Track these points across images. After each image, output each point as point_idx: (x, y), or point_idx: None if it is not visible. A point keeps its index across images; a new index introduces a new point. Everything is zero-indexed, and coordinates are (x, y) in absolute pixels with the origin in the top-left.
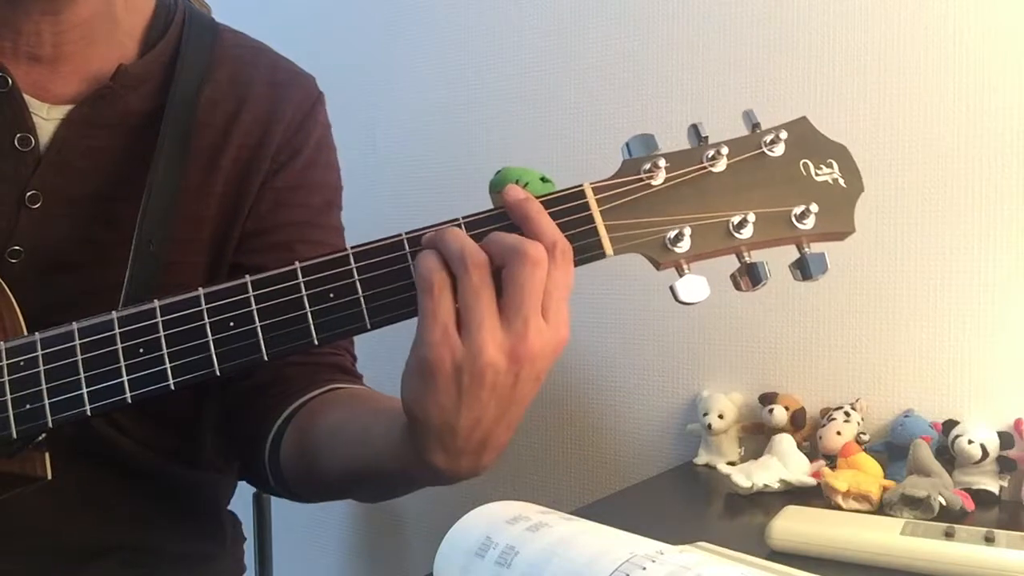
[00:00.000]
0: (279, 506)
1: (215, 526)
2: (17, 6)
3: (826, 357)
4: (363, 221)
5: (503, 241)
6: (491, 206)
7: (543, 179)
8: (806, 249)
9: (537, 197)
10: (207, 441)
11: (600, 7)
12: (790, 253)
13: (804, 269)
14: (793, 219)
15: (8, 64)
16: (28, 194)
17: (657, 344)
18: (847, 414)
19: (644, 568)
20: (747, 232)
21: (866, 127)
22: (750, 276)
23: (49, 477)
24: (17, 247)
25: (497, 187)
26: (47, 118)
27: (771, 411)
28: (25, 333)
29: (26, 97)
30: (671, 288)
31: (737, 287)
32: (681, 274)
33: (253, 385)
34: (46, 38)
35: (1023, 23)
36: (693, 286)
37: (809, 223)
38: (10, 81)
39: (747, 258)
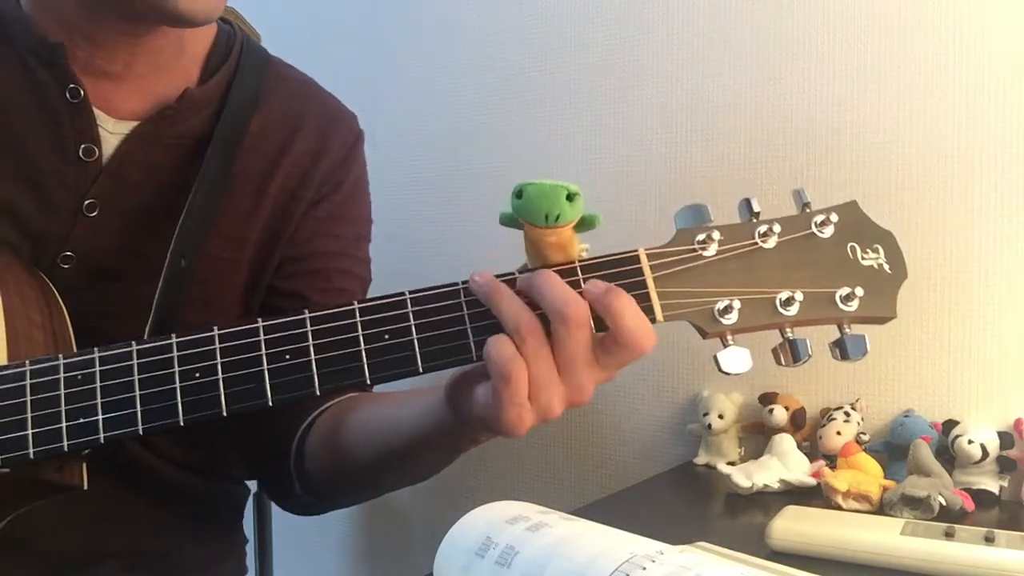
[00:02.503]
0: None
1: (228, 533)
2: (100, 22)
3: (826, 357)
4: None
5: (550, 302)
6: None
7: (569, 196)
8: (846, 330)
9: (590, 260)
10: (227, 453)
11: (600, 7)
12: (828, 329)
13: (843, 350)
14: (838, 300)
15: (80, 76)
16: (86, 202)
17: (658, 344)
18: (847, 414)
19: (644, 568)
20: (793, 309)
21: (866, 126)
22: (792, 352)
23: (85, 487)
24: (70, 252)
25: (525, 216)
26: (112, 132)
27: (771, 411)
28: (72, 338)
29: (95, 110)
30: (715, 358)
31: (778, 361)
32: (725, 345)
33: None
34: (120, 56)
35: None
36: (737, 358)
37: (853, 306)
38: (82, 93)
39: (790, 334)
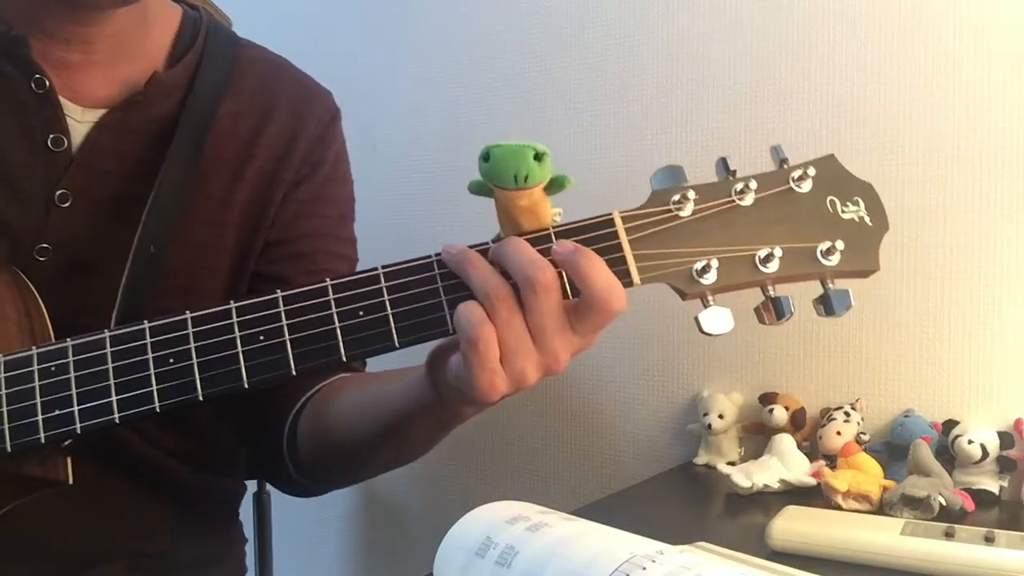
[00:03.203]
0: (279, 506)
1: (225, 530)
2: (47, 11)
3: (826, 357)
4: (363, 222)
5: (518, 268)
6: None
7: (536, 155)
8: (830, 285)
9: (564, 225)
10: (221, 445)
11: (600, 7)
12: (812, 287)
13: (827, 305)
14: (819, 255)
15: (44, 66)
16: (58, 193)
17: (657, 344)
18: (847, 414)
19: (644, 568)
20: (773, 266)
21: (866, 126)
22: (775, 310)
23: (71, 482)
24: (46, 245)
25: (493, 180)
26: (80, 120)
27: (771, 411)
28: (51, 333)
29: (61, 99)
30: (696, 319)
31: (761, 320)
32: (706, 305)
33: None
34: (74, 45)
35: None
36: (717, 317)
37: (834, 260)
38: (47, 83)
39: (771, 292)
